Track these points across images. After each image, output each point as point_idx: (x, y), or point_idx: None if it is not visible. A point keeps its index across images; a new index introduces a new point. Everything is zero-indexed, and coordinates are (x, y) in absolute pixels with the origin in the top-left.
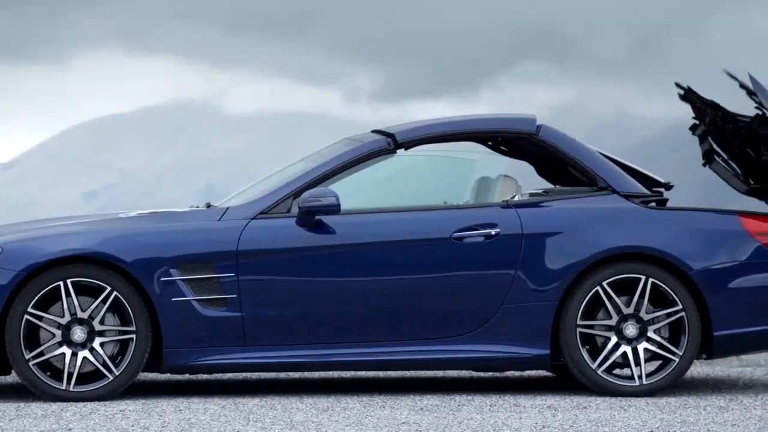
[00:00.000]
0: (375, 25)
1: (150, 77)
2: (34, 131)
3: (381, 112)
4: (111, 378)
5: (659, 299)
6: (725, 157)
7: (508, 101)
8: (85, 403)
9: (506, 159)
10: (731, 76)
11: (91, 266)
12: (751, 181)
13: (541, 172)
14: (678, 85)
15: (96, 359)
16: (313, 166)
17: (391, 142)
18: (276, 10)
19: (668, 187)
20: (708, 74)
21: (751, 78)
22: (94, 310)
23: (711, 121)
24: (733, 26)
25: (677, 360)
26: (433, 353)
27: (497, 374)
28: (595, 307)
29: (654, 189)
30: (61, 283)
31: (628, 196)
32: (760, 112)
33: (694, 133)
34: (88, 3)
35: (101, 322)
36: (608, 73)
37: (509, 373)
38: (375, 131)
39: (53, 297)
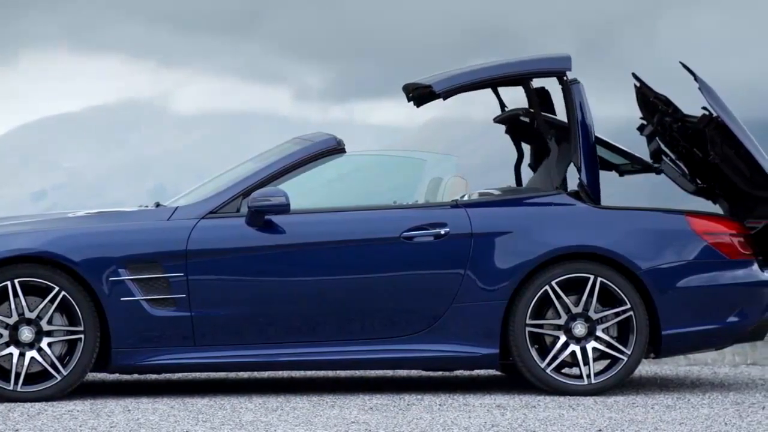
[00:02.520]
0: (325, 24)
1: (97, 77)
2: None
3: (331, 111)
4: (59, 378)
5: (608, 298)
6: (673, 157)
7: (461, 100)
8: (33, 403)
9: (456, 159)
10: (687, 68)
11: (38, 266)
12: (699, 181)
13: (531, 157)
14: (635, 77)
15: (44, 359)
16: (262, 166)
17: (341, 141)
18: (224, 8)
19: (659, 171)
20: (657, 75)
21: (699, 80)
22: (42, 310)
23: (659, 121)
24: (682, 27)
25: (625, 359)
26: (383, 353)
27: (447, 373)
28: (544, 306)
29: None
30: (8, 282)
31: (577, 196)
32: (707, 113)
33: (642, 133)
34: (34, 2)
35: (49, 322)
36: None
37: (458, 373)
38: (407, 84)
39: (0, 297)
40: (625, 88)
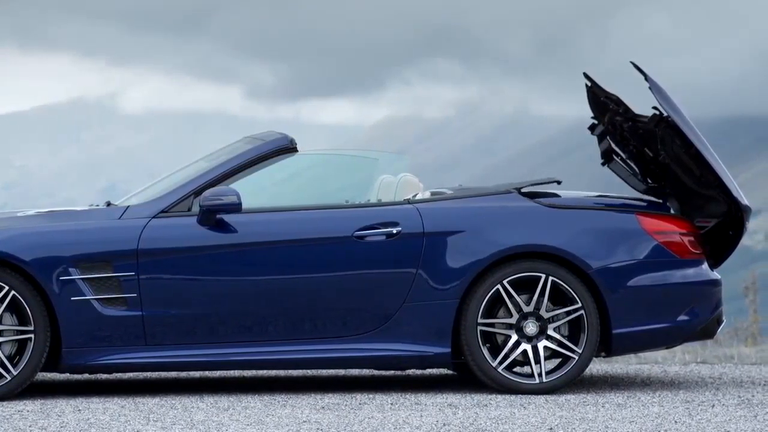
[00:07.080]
0: (278, 21)
1: (47, 75)
2: None
3: (281, 110)
4: (9, 378)
5: (559, 297)
6: (624, 156)
7: (414, 100)
8: None
9: (408, 158)
10: (638, 68)
11: None
12: (649, 180)
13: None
14: (586, 76)
15: None
16: (214, 165)
17: (293, 140)
18: (174, 6)
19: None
20: (609, 74)
21: (650, 80)
22: None
23: (610, 120)
24: (633, 27)
25: (576, 358)
26: (335, 352)
27: (398, 372)
28: (495, 305)
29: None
30: None
31: (528, 195)
32: (657, 112)
33: (593, 133)
34: None
35: None
36: (515, 71)
37: (410, 372)
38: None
39: None
40: (577, 87)
